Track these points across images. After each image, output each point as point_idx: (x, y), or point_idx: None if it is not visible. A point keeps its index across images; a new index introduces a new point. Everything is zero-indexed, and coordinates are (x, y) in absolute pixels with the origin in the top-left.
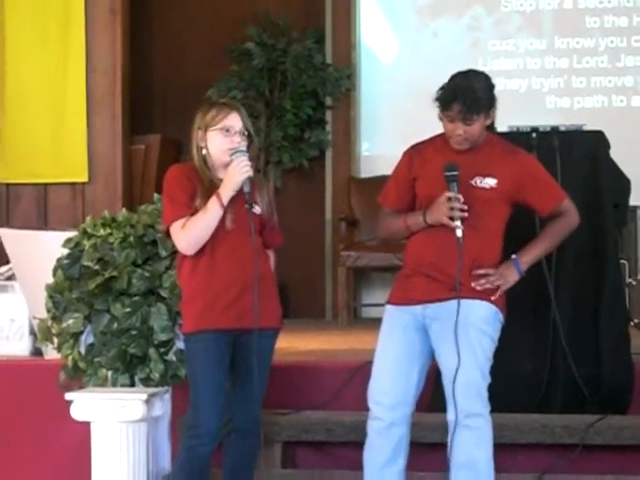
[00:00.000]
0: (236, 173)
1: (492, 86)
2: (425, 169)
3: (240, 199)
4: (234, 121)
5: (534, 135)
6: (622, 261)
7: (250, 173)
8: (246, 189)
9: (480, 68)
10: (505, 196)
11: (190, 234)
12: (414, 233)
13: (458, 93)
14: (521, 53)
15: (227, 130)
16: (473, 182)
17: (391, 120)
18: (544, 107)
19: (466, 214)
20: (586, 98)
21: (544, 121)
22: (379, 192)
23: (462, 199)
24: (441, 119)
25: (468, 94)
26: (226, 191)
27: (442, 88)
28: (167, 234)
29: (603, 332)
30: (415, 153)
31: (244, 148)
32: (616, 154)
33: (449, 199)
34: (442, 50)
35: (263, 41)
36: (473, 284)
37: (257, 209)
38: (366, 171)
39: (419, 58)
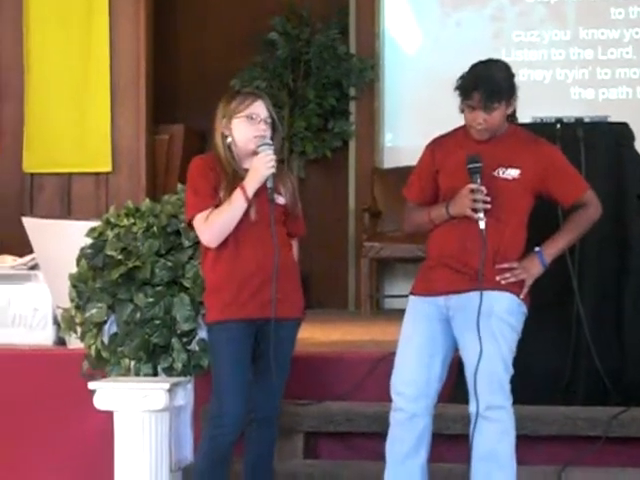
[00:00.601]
0: (261, 167)
1: (512, 75)
2: (447, 162)
3: (263, 191)
4: (259, 109)
5: (558, 126)
6: None
7: (274, 169)
8: (269, 184)
9: (504, 59)
10: (528, 187)
11: (214, 226)
12: (437, 225)
13: (478, 82)
14: (545, 44)
15: (252, 117)
16: (496, 173)
17: (415, 111)
18: (568, 98)
19: (489, 206)
20: (611, 89)
21: (568, 112)
22: (402, 183)
23: (485, 191)
24: (462, 110)
25: (488, 82)
26: (251, 184)
27: (462, 77)
28: (190, 226)
29: (626, 324)
30: (437, 146)
31: (269, 140)
32: None
33: (472, 191)
34: (466, 40)
35: (287, 31)
36: (498, 278)
37: (281, 200)
38: (389, 162)
39: (443, 48)
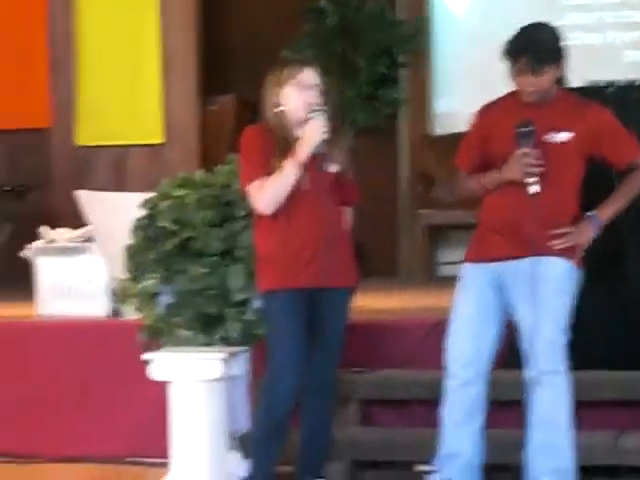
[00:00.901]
0: (314, 134)
1: (561, 38)
2: (497, 128)
3: (316, 159)
4: (309, 76)
5: (611, 89)
6: None
7: (326, 135)
8: (321, 151)
9: (554, 22)
10: (580, 150)
11: (268, 194)
12: (490, 191)
13: (526, 44)
14: (596, 6)
15: (302, 85)
16: (547, 137)
17: (466, 76)
18: (620, 61)
19: (542, 169)
20: None
21: (621, 75)
22: (454, 149)
23: (537, 155)
24: (510, 76)
25: (536, 45)
26: (303, 152)
27: (510, 41)
28: (244, 194)
29: None
30: (487, 113)
31: (321, 107)
32: None
33: (524, 155)
34: (516, 4)
35: None
36: (551, 242)
37: (332, 167)
38: (441, 128)
39: (493, 12)
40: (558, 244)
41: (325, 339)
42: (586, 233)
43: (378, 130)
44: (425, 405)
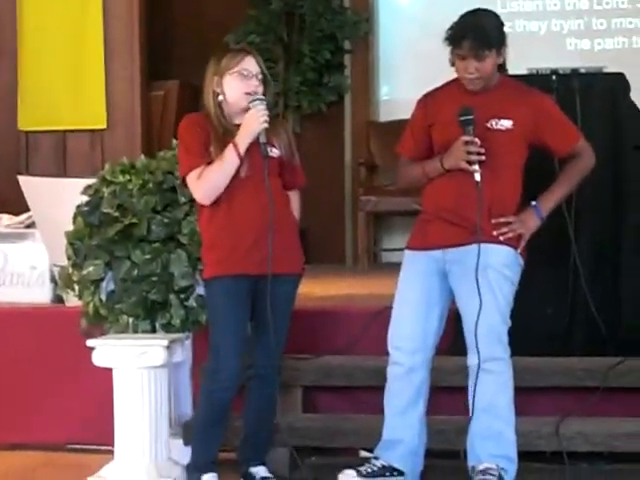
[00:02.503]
0: (253, 122)
1: (502, 24)
2: (440, 115)
3: (256, 146)
4: (250, 65)
5: (554, 77)
6: None
7: (266, 124)
8: (262, 139)
9: (499, 10)
10: (521, 137)
11: (207, 184)
12: (432, 179)
13: (468, 30)
14: None
15: (243, 74)
16: (489, 124)
17: (410, 63)
18: (564, 49)
19: (484, 157)
20: (606, 40)
21: (564, 63)
22: (399, 136)
23: (479, 142)
24: (452, 63)
25: (478, 30)
26: (243, 140)
27: (451, 28)
28: (184, 184)
29: (624, 274)
30: (429, 100)
31: (261, 95)
32: (636, 96)
33: (466, 143)
34: None
35: None
36: (495, 232)
37: (275, 152)
38: (385, 115)
39: (437, 0)
40: (500, 233)
41: (270, 326)
42: (529, 223)
43: (323, 116)
44: (369, 391)
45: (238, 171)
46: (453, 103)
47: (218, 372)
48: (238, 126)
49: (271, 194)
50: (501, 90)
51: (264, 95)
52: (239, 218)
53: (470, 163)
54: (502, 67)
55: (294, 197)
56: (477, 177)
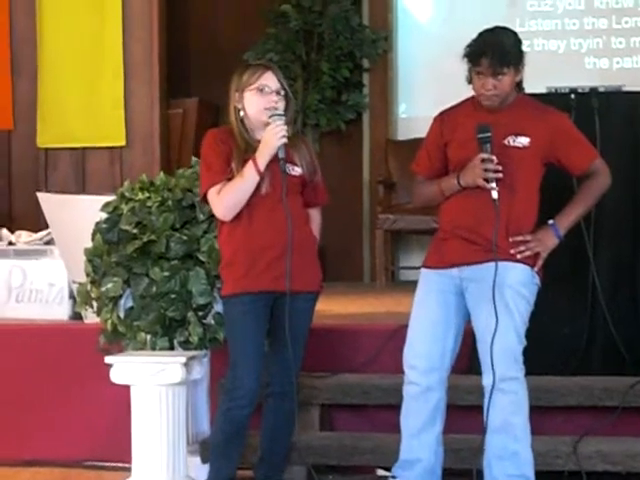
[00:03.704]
0: (272, 138)
1: (520, 42)
2: (457, 133)
3: (277, 163)
4: (269, 80)
5: (573, 96)
6: None
7: (285, 140)
8: (281, 155)
9: (518, 29)
10: (538, 155)
11: (227, 200)
12: (449, 197)
13: (487, 47)
14: (559, 14)
15: (262, 89)
16: (506, 142)
17: (428, 81)
18: (583, 68)
19: (501, 175)
20: (625, 58)
21: (583, 82)
22: (416, 154)
23: (496, 160)
24: (469, 81)
25: (497, 47)
26: (262, 157)
27: (470, 45)
28: (205, 200)
29: None
30: (445, 118)
31: (281, 111)
32: None
33: (483, 160)
34: (479, 10)
35: (300, 3)
36: (512, 251)
37: (297, 170)
38: (403, 133)
39: (456, 18)
40: (518, 252)
41: (286, 344)
42: (546, 242)
43: (342, 134)
44: (386, 410)
45: (259, 188)
46: (469, 121)
47: (236, 390)
48: (260, 142)
49: (289, 212)
50: (518, 108)
51: (285, 111)
52: (258, 235)
53: (487, 181)
54: (519, 85)
55: (315, 215)
56: (494, 195)
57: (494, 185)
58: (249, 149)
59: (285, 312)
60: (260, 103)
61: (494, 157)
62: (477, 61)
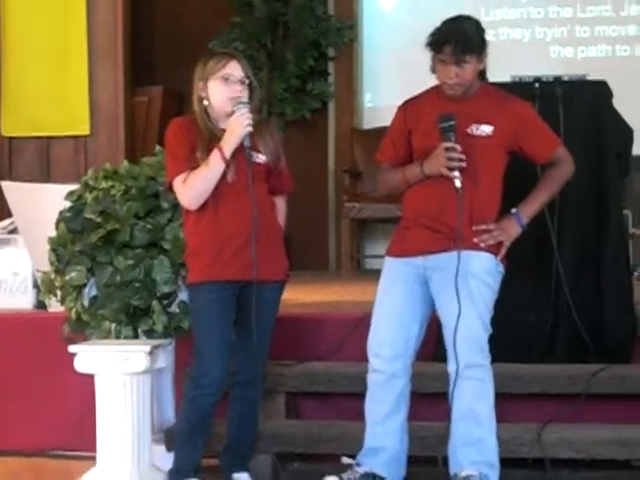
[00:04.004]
0: (237, 126)
1: (483, 30)
2: (421, 121)
3: (242, 151)
4: (234, 69)
5: (537, 85)
6: (625, 211)
7: (250, 128)
8: (246, 143)
9: (483, 18)
10: (502, 143)
11: (192, 189)
12: (412, 185)
13: (449, 35)
14: (524, 3)
15: (227, 78)
16: (469, 130)
17: (394, 71)
18: (547, 57)
19: (464, 164)
20: (589, 47)
21: (547, 71)
22: (381, 144)
23: (460, 149)
24: (433, 70)
25: (459, 35)
26: (228, 145)
27: (433, 33)
28: (170, 189)
29: (606, 282)
30: (409, 107)
31: (246, 99)
32: (619, 103)
33: (447, 149)
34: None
35: None
36: (475, 240)
37: (261, 157)
38: (369, 122)
39: (421, 7)
40: (481, 240)
41: (254, 332)
42: (510, 230)
43: (307, 123)
44: (351, 398)
45: (224, 176)
46: (433, 109)
47: (201, 378)
48: (224, 131)
49: (255, 200)
50: (481, 97)
51: (249, 100)
52: (224, 224)
53: (451, 170)
54: (482, 74)
55: (280, 202)
56: (458, 184)
57: (457, 174)
58: (213, 138)
59: (252, 301)
60: (224, 92)
61: (458, 146)
62: (440, 49)
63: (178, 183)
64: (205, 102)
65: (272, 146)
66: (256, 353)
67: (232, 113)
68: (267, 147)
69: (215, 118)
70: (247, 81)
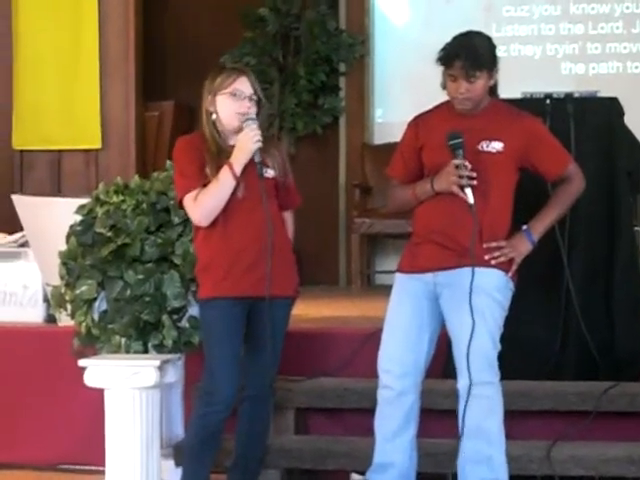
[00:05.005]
0: (247, 142)
1: (494, 46)
2: (431, 137)
3: (251, 166)
4: (243, 85)
5: (548, 102)
6: (636, 228)
7: (260, 144)
8: (257, 159)
9: (494, 34)
10: (512, 159)
11: (203, 206)
12: (423, 202)
13: (460, 50)
14: (535, 19)
15: (236, 94)
16: (480, 147)
17: (405, 86)
18: (559, 73)
19: (474, 182)
20: (601, 64)
21: (559, 87)
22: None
23: (470, 166)
24: (444, 87)
25: (470, 50)
26: (238, 161)
27: (444, 48)
28: (180, 206)
29: (616, 299)
30: (420, 123)
31: (254, 115)
32: (630, 121)
33: (457, 167)
34: (456, 15)
35: (277, 7)
36: (487, 257)
37: (270, 172)
38: (380, 138)
39: (433, 23)
40: (492, 258)
41: (264, 348)
42: (520, 248)
43: (318, 138)
44: (360, 413)
45: (235, 192)
46: (444, 125)
47: (212, 395)
48: (233, 147)
49: (269, 215)
50: (492, 113)
51: (257, 115)
52: (236, 239)
53: (461, 187)
54: (493, 90)
55: (288, 218)
56: (470, 200)
57: (469, 192)
58: (222, 154)
59: (263, 317)
60: (233, 107)
61: (467, 163)
62: (450, 64)
63: (188, 200)
64: (213, 116)
65: (279, 161)
66: (266, 369)
67: (240, 129)
68: (275, 162)
69: (223, 133)
70: (255, 97)
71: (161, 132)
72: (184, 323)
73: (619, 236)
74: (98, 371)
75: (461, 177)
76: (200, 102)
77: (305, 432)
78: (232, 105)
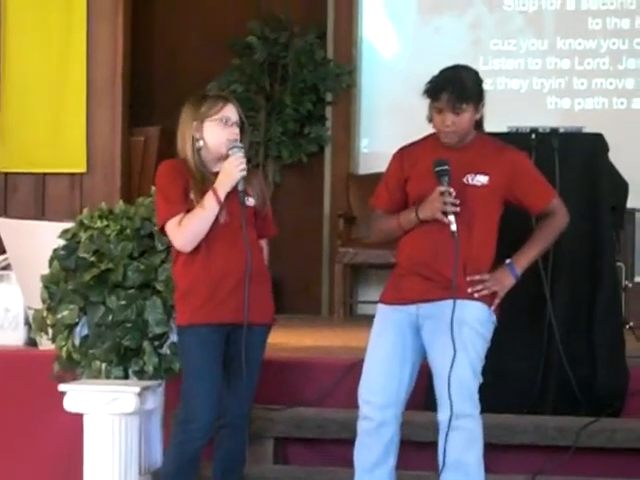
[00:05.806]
0: (232, 170)
1: (481, 80)
2: (416, 168)
3: (234, 193)
4: (230, 112)
5: (533, 136)
6: (619, 263)
7: (245, 172)
8: (240, 187)
9: (481, 67)
10: (497, 193)
11: (187, 231)
12: (407, 232)
13: (446, 83)
14: (522, 53)
15: (224, 121)
16: (465, 180)
17: (391, 117)
18: (545, 108)
19: (458, 209)
20: (587, 99)
21: (544, 122)
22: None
23: (454, 193)
24: (430, 119)
25: (456, 83)
26: (222, 187)
27: (430, 81)
28: (162, 232)
29: (598, 334)
30: (405, 154)
31: (240, 143)
32: (615, 157)
33: (442, 193)
34: (444, 48)
35: (265, 35)
36: (469, 290)
37: (250, 201)
38: (365, 168)
39: (421, 55)
40: (475, 291)
41: (241, 375)
42: (504, 281)
43: (304, 167)
44: (340, 444)
45: (217, 218)
46: (429, 156)
47: (189, 423)
48: (215, 174)
49: (248, 243)
50: (477, 146)
51: (241, 142)
52: (216, 266)
53: (445, 214)
54: (479, 125)
55: (264, 246)
56: (453, 227)
57: (452, 219)
58: (205, 180)
59: (241, 344)
60: (223, 134)
61: (452, 190)
62: (437, 96)
63: (172, 226)
64: (200, 143)
65: (259, 190)
66: (243, 397)
67: (225, 156)
68: (255, 191)
69: (205, 159)
70: (239, 124)
71: (147, 157)
72: (165, 350)
73: (602, 271)
74: (78, 396)
75: (446, 204)
76: (179, 128)
77: (284, 462)
78: (222, 132)
